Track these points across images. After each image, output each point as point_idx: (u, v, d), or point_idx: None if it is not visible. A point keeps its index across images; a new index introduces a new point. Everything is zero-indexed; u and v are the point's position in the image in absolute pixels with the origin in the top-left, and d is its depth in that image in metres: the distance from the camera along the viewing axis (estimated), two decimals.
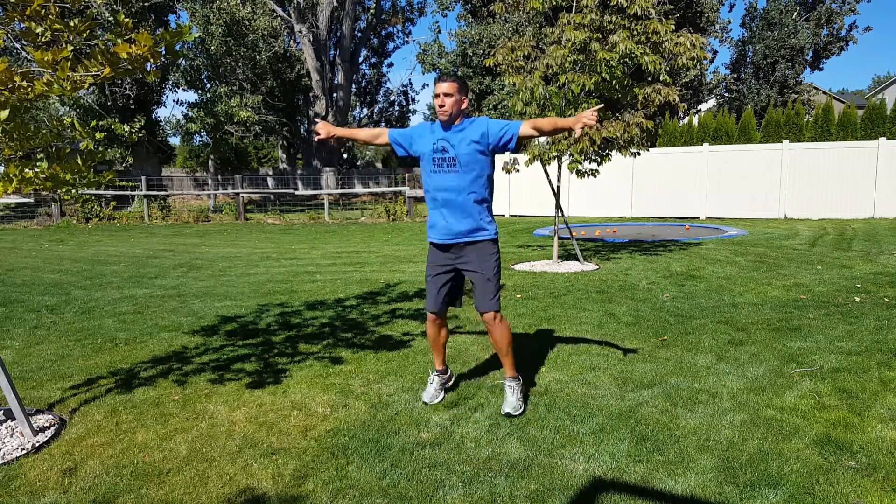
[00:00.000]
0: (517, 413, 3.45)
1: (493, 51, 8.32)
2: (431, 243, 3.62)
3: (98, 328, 5.61)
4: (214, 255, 10.77)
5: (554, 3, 7.84)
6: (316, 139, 3.73)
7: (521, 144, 3.55)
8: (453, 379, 3.94)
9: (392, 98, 39.84)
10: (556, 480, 2.77)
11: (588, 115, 3.13)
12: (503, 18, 25.26)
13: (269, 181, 32.28)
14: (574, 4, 7.82)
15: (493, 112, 26.23)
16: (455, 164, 3.39)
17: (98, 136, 3.28)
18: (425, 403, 3.63)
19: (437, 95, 3.38)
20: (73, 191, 3.23)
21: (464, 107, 3.41)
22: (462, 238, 3.46)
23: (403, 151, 3.63)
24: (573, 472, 2.84)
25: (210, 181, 28.56)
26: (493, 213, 3.59)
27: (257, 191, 28.65)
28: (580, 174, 8.28)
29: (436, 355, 3.76)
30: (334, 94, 31.90)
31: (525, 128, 3.38)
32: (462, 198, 3.41)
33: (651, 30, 7.67)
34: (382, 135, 3.71)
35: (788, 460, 2.90)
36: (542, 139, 8.66)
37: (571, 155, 8.15)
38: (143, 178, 20.38)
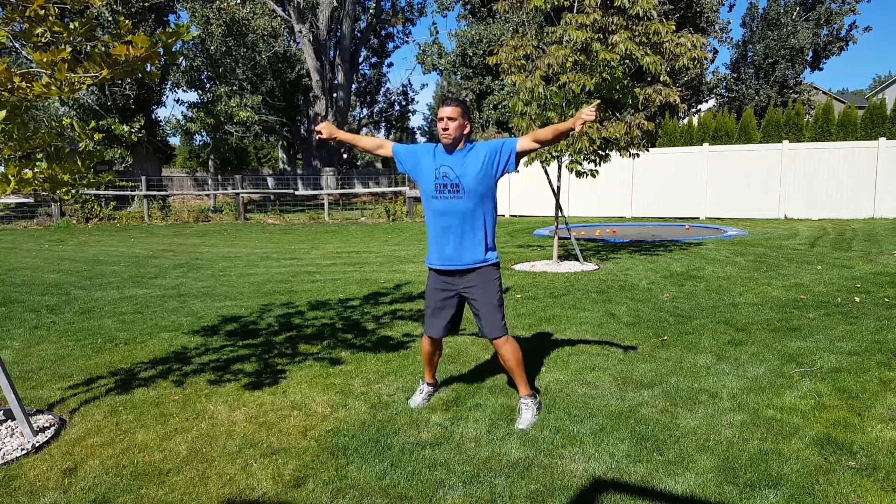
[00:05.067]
0: (529, 427, 3.33)
1: (496, 49, 8.32)
2: (432, 269, 3.53)
3: (98, 328, 5.61)
4: (214, 255, 10.77)
5: (556, 3, 7.85)
6: (317, 138, 3.69)
7: (522, 158, 3.51)
8: (439, 390, 3.93)
9: (392, 98, 39.85)
10: (556, 480, 2.77)
11: (587, 112, 3.11)
12: (503, 18, 25.25)
13: (269, 181, 32.29)
14: (575, 4, 7.82)
15: (493, 112, 26.23)
16: (458, 190, 3.32)
17: (97, 136, 3.28)
18: (410, 407, 3.65)
19: (440, 119, 3.32)
20: (73, 191, 3.23)
21: (466, 130, 3.36)
22: (464, 265, 3.39)
23: (403, 169, 3.56)
24: (573, 472, 2.84)
25: (210, 181, 28.56)
26: (494, 237, 3.51)
27: (257, 191, 28.66)
28: (580, 174, 8.29)
29: (427, 370, 3.76)
30: (334, 95, 31.90)
31: (524, 142, 3.34)
32: (464, 224, 3.34)
33: (652, 30, 7.67)
34: (385, 146, 3.63)
35: (788, 460, 2.90)
36: None
37: (571, 155, 8.15)
38: (143, 178, 20.38)
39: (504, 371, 4.14)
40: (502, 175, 3.43)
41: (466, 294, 3.45)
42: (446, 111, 3.31)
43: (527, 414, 3.41)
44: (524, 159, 8.57)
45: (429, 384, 3.80)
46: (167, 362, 4.57)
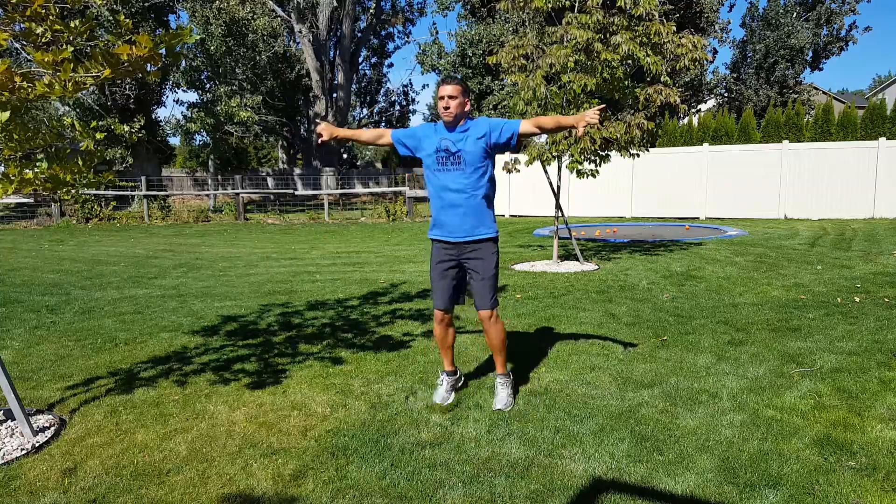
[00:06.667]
0: (507, 409, 3.52)
1: (496, 49, 8.32)
2: (434, 240, 3.64)
3: (98, 328, 5.61)
4: (214, 255, 10.77)
5: (557, 3, 7.84)
6: (319, 141, 3.73)
7: (522, 142, 3.59)
8: (462, 379, 3.95)
9: (392, 98, 39.85)
10: (556, 480, 2.77)
11: (590, 114, 3.18)
12: (503, 18, 25.25)
13: (269, 181, 32.27)
14: (577, 4, 7.82)
15: (493, 112, 26.23)
16: (460, 162, 3.45)
17: (98, 136, 3.28)
18: (436, 404, 3.62)
19: (441, 97, 3.43)
20: (73, 191, 3.23)
21: (467, 108, 3.48)
22: (465, 237, 3.51)
23: (406, 150, 3.67)
24: (573, 472, 2.84)
25: (210, 181, 28.55)
26: (494, 213, 3.64)
27: (257, 191, 28.64)
28: (580, 174, 8.29)
29: (444, 356, 3.77)
30: (334, 94, 31.90)
31: (526, 125, 3.44)
32: (466, 196, 3.46)
33: (653, 31, 7.67)
34: (385, 135, 3.73)
35: (788, 460, 2.90)
36: (542, 139, 8.66)
37: (571, 155, 8.15)
38: (143, 178, 20.37)
39: None
40: (501, 151, 3.54)
41: (465, 264, 3.56)
42: (447, 90, 3.41)
43: (502, 393, 3.60)
44: (525, 157, 8.61)
45: (448, 373, 3.75)
46: (167, 362, 4.57)
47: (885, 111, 18.14)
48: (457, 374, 3.83)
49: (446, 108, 3.41)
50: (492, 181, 3.56)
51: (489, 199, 3.54)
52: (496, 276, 3.58)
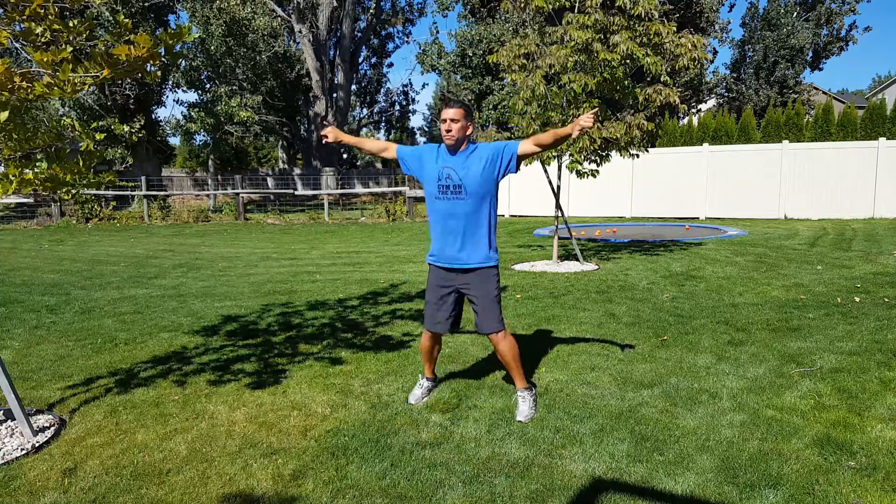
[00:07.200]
0: (529, 419, 3.45)
1: (496, 48, 8.31)
2: (432, 265, 3.60)
3: (98, 328, 5.61)
4: (214, 255, 10.77)
5: (557, 3, 7.84)
6: (323, 142, 3.73)
7: (523, 160, 3.55)
8: (438, 386, 3.99)
9: (392, 98, 39.86)
10: (556, 480, 2.77)
11: (584, 119, 3.16)
12: (503, 18, 25.26)
13: (269, 181, 32.28)
14: (577, 4, 7.82)
15: (492, 112, 26.23)
16: (461, 191, 3.38)
17: (98, 136, 3.28)
18: (410, 403, 3.69)
19: (444, 121, 3.38)
20: (73, 191, 3.23)
21: (469, 132, 3.42)
22: (463, 265, 3.46)
23: (409, 171, 3.62)
24: (573, 472, 2.84)
25: (210, 181, 28.55)
26: (495, 241, 3.58)
27: (257, 191, 28.65)
28: (580, 174, 8.28)
29: (427, 364, 3.81)
30: (334, 94, 31.90)
31: (525, 145, 3.39)
32: (466, 225, 3.41)
33: (653, 31, 7.66)
34: (389, 149, 3.68)
35: (788, 460, 2.90)
36: None
37: (571, 155, 8.15)
38: (143, 178, 20.37)
39: (503, 370, 4.14)
40: (504, 176, 3.48)
41: (465, 290, 3.53)
42: (449, 113, 3.37)
43: (524, 406, 3.52)
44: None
45: (428, 379, 3.84)
46: (167, 362, 4.57)
47: (884, 111, 18.13)
48: (435, 382, 3.90)
49: (448, 132, 3.36)
50: (493, 208, 3.48)
51: (489, 227, 3.46)
52: (499, 298, 3.52)
